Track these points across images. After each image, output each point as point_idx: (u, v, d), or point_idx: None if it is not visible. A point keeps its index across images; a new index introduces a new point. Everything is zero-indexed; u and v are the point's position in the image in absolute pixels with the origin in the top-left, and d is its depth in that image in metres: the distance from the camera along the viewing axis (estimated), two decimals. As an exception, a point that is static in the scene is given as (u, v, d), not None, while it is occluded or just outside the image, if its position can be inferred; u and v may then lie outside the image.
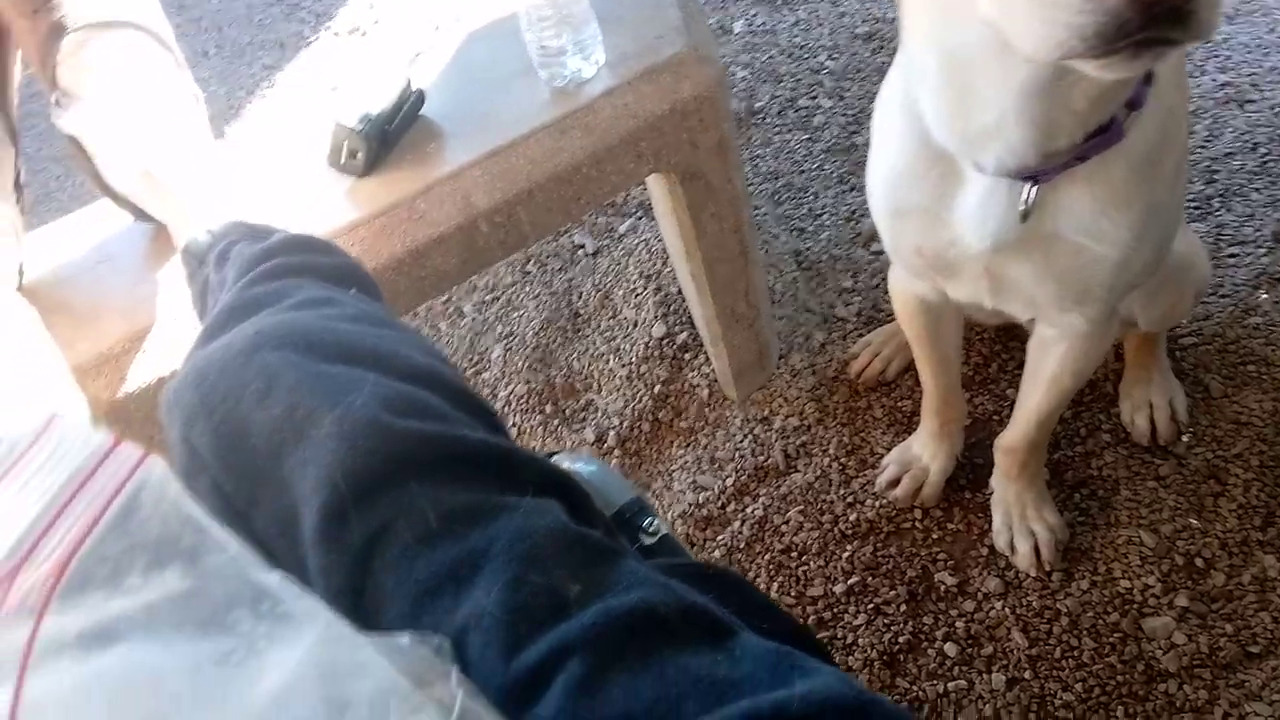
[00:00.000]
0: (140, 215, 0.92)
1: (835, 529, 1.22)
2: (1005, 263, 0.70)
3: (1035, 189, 0.63)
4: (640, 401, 1.37)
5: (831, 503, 1.25)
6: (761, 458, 1.30)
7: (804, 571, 1.19)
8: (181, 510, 0.24)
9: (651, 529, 0.58)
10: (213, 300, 0.62)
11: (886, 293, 1.44)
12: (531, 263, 1.62)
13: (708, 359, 1.40)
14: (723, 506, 1.26)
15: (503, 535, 0.41)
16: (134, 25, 0.83)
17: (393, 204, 0.95)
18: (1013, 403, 1.29)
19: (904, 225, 0.74)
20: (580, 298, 1.54)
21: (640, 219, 1.62)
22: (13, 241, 0.83)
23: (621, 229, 1.61)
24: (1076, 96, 0.57)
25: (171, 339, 0.88)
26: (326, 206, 0.95)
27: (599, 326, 1.50)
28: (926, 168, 0.67)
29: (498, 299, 1.57)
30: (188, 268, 0.69)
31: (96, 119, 0.80)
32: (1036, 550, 1.14)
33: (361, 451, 0.42)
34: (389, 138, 0.98)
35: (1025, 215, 0.64)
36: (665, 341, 1.42)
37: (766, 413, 1.34)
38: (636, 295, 1.50)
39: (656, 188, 1.22)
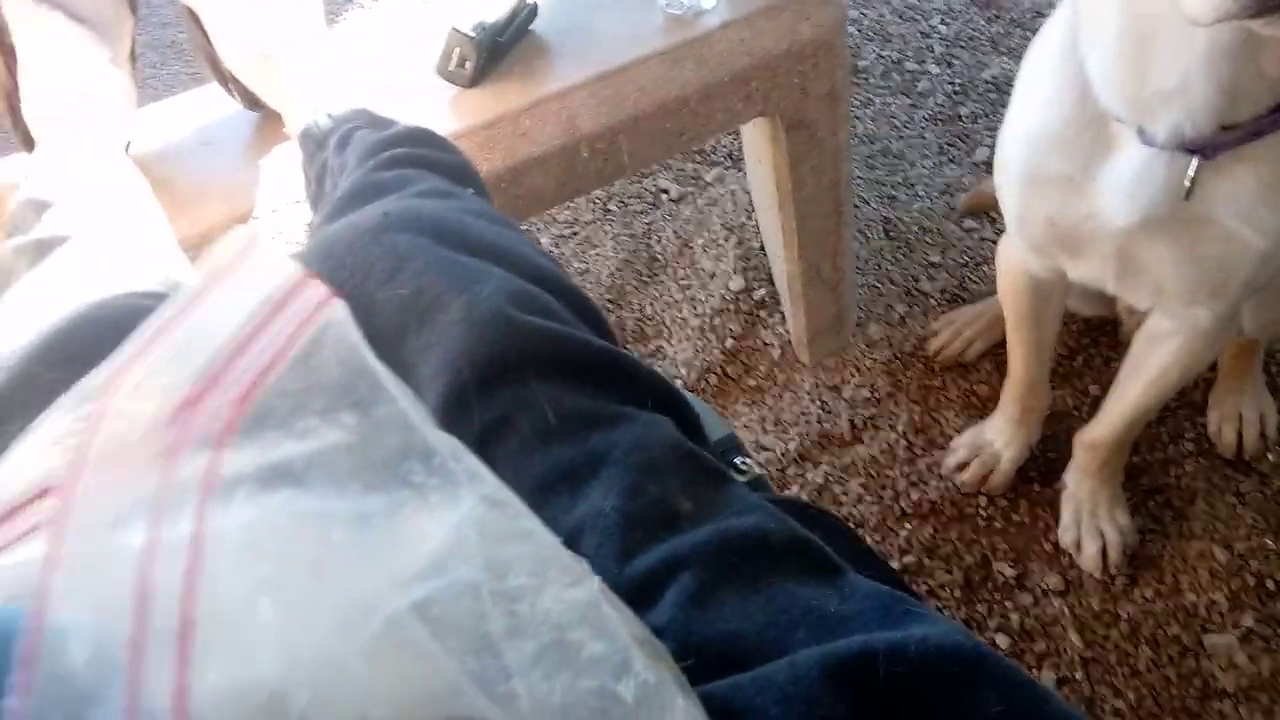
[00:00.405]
0: (249, 103, 0.91)
1: (896, 505, 1.20)
2: (1144, 243, 0.66)
3: (1197, 165, 0.59)
4: (710, 354, 1.35)
5: (894, 479, 1.22)
6: (827, 425, 1.27)
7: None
8: (359, 356, 0.23)
9: (744, 466, 0.57)
10: (331, 183, 0.61)
11: (974, 271, 1.40)
12: (613, 201, 1.60)
13: (783, 318, 1.37)
14: (783, 469, 1.24)
15: (621, 443, 0.39)
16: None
17: (497, 117, 0.93)
18: (1095, 399, 1.25)
19: (1039, 193, 0.70)
20: (659, 243, 1.51)
21: (728, 169, 1.58)
22: (128, 109, 0.82)
23: (708, 177, 1.58)
24: (1268, 60, 0.53)
25: (270, 228, 0.87)
26: (430, 113, 0.93)
27: (675, 274, 1.47)
28: (1078, 132, 0.63)
29: (576, 235, 1.55)
30: (305, 150, 0.67)
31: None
32: (1104, 552, 1.11)
33: (487, 341, 0.41)
34: (499, 49, 0.96)
35: (1189, 192, 0.60)
36: (742, 296, 1.39)
37: (837, 380, 1.31)
38: (717, 246, 1.47)
39: (755, 135, 1.19)
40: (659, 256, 1.50)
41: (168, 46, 1.97)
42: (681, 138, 1.00)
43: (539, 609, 0.23)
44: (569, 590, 0.23)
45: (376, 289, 0.44)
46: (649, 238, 1.53)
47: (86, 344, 0.46)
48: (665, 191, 1.59)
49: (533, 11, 0.99)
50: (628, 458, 0.38)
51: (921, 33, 1.71)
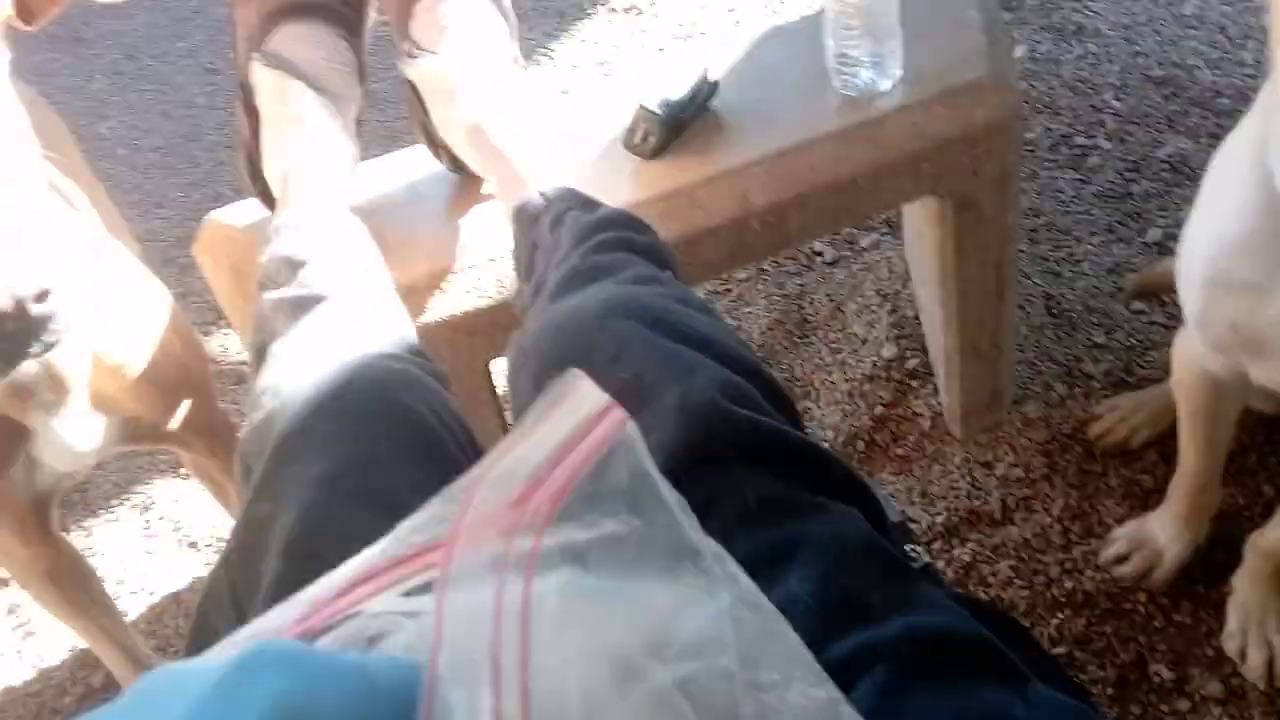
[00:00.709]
0: (453, 166, 1.00)
1: (1047, 593, 1.17)
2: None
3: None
4: (859, 420, 1.36)
5: (1047, 565, 1.19)
6: (977, 502, 1.26)
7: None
8: (644, 469, 0.27)
9: (914, 555, 0.58)
10: (544, 259, 0.67)
11: (1142, 356, 1.36)
12: (767, 261, 1.63)
13: (936, 390, 1.36)
14: (929, 543, 1.23)
15: (815, 532, 0.42)
16: (483, -10, 0.90)
17: (675, 190, 0.98)
18: (1268, 500, 1.19)
19: (1222, 297, 0.70)
20: (811, 305, 1.54)
21: (884, 235, 1.59)
22: (354, 172, 0.92)
23: (864, 242, 1.59)
24: None
25: (466, 284, 0.95)
26: (615, 182, 1.00)
27: (826, 337, 1.49)
28: (1265, 240, 0.63)
29: (730, 291, 1.59)
30: (518, 224, 0.74)
31: (440, 72, 0.87)
32: (1270, 664, 1.05)
33: (699, 428, 0.45)
34: (680, 124, 1.01)
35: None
36: (894, 364, 1.40)
37: (990, 457, 1.30)
38: (870, 312, 1.48)
39: (919, 210, 1.20)
40: (810, 318, 1.53)
41: (404, 102, 2.14)
42: (849, 213, 1.03)
43: (786, 701, 0.26)
44: (813, 689, 0.26)
45: (600, 369, 0.50)
46: (801, 299, 1.56)
47: (353, 403, 0.53)
48: (820, 254, 1.61)
49: (713, 89, 1.04)
50: (822, 548, 0.41)
51: (1093, 107, 1.68)
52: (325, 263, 0.70)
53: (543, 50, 2.08)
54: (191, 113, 2.15)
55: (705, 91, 1.03)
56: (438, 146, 0.99)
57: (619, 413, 0.27)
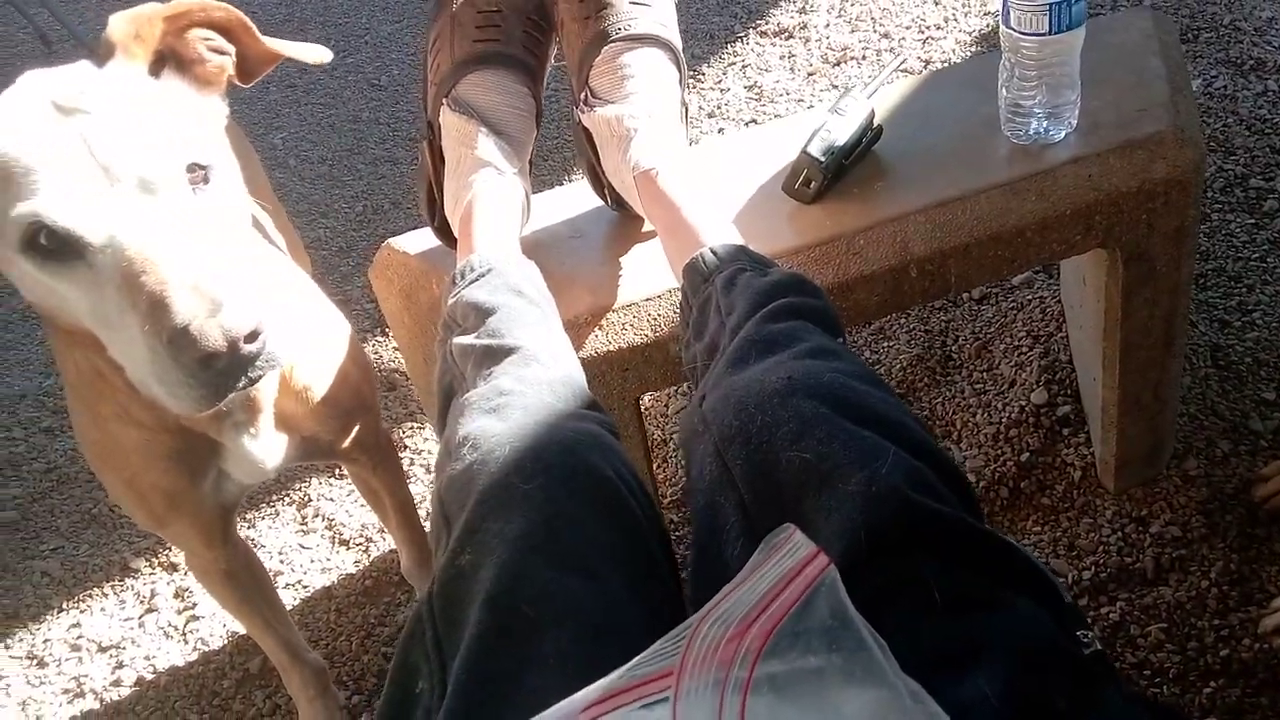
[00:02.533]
0: (615, 205, 1.04)
1: (1201, 660, 1.12)
2: None
3: None
4: (1003, 465, 1.33)
5: (1201, 630, 1.14)
6: (1129, 559, 1.22)
7: (1154, 695, 1.11)
8: (844, 610, 0.29)
9: (1086, 640, 0.58)
10: (715, 321, 0.69)
11: (1319, 417, 1.28)
12: (912, 295, 1.61)
13: (1088, 440, 1.32)
14: (1074, 599, 1.20)
15: (1001, 630, 0.43)
16: (661, 42, 0.93)
17: (833, 236, 0.99)
18: None
19: None
20: (955, 342, 1.51)
21: (1038, 274, 1.55)
22: (526, 214, 0.97)
23: (1015, 281, 1.56)
24: None
25: (624, 321, 0.98)
26: (771, 226, 1.01)
27: (970, 376, 1.46)
28: None
29: (870, 325, 1.58)
30: (689, 282, 0.77)
31: (614, 121, 0.90)
32: None
33: (885, 516, 0.46)
34: (841, 170, 1.02)
35: None
36: (1044, 410, 1.36)
37: (1144, 512, 1.25)
38: (1019, 354, 1.44)
39: (1085, 259, 1.17)
40: (954, 356, 1.50)
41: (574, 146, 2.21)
42: (1013, 263, 1.02)
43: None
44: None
45: (781, 448, 0.51)
46: (945, 336, 1.53)
47: (548, 465, 0.57)
48: (967, 291, 1.58)
49: (877, 134, 1.04)
50: (1009, 648, 0.42)
51: (1271, 148, 1.59)
52: (512, 312, 0.74)
53: (692, 73, 2.11)
54: (357, 126, 2.27)
55: (870, 136, 1.03)
56: (603, 187, 1.02)
57: (824, 558, 0.29)
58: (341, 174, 2.16)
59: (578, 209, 1.12)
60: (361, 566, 1.46)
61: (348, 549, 1.53)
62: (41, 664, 1.39)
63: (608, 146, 0.93)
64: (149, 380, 0.67)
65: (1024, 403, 1.38)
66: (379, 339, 1.80)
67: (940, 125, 1.07)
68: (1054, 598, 0.48)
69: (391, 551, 1.45)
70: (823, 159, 0.98)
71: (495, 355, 0.70)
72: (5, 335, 1.94)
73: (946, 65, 1.15)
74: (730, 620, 0.29)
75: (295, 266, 1.02)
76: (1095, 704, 0.42)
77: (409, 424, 1.64)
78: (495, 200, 0.92)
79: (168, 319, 0.63)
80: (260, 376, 0.69)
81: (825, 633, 0.29)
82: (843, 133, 0.99)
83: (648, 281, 1.01)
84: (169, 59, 0.77)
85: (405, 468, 1.45)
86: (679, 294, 0.83)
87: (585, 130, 0.97)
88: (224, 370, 0.66)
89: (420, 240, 1.14)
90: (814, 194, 1.01)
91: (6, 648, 1.42)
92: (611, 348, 1.00)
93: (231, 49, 0.79)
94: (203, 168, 0.70)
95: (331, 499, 1.58)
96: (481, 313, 0.75)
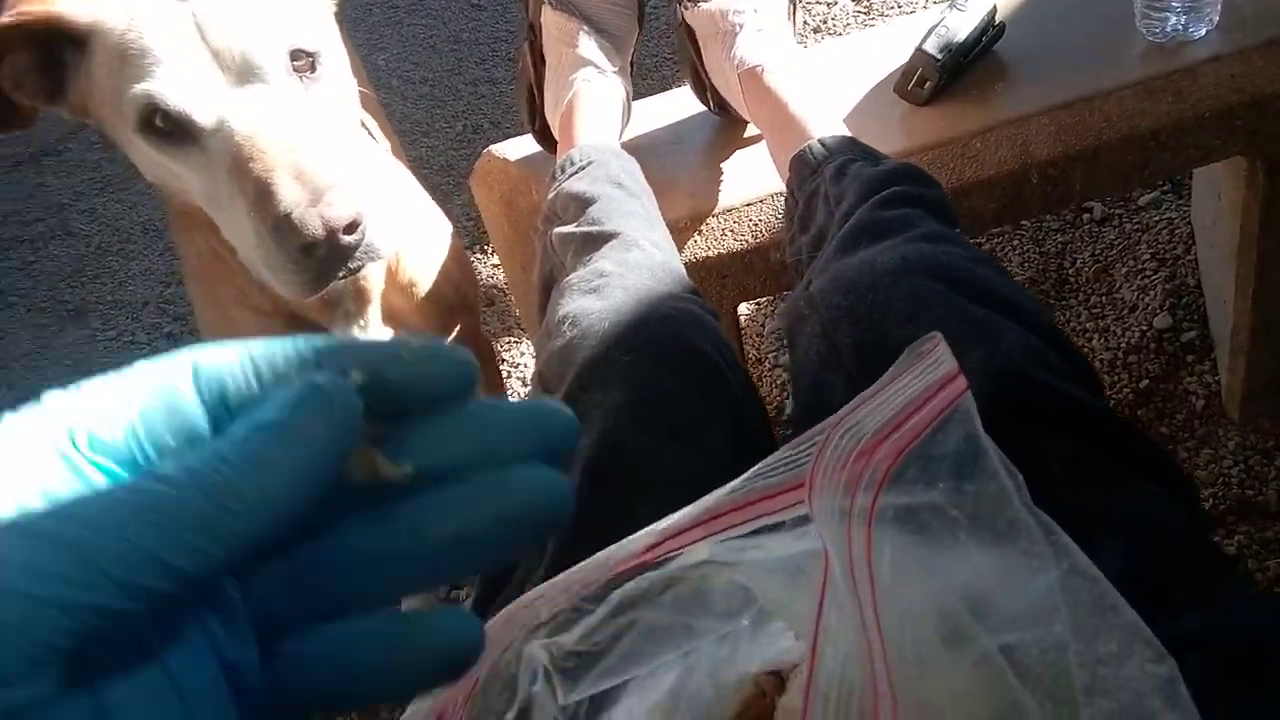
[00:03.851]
0: (718, 109, 1.01)
1: (1326, 598, 1.06)
2: None
3: None
4: (1119, 392, 1.27)
5: (1327, 568, 1.08)
6: (1250, 491, 1.15)
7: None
8: (977, 440, 0.28)
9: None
10: (823, 211, 0.67)
11: None
12: (1025, 216, 1.54)
13: (1213, 367, 1.25)
14: (1189, 530, 1.15)
15: (1124, 507, 0.41)
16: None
17: (948, 139, 0.94)
18: None
19: None
20: (1073, 265, 1.44)
21: (1166, 193, 1.46)
22: (627, 113, 0.95)
23: (1142, 200, 1.47)
24: None
25: (724, 227, 0.97)
26: (880, 129, 0.97)
27: (1088, 301, 1.39)
28: None
29: (981, 245, 1.52)
30: (795, 173, 0.74)
31: (718, 17, 0.87)
32: None
33: (1004, 392, 0.44)
34: (958, 70, 0.97)
35: None
36: (1167, 336, 1.29)
37: (1270, 444, 1.18)
38: (1142, 277, 1.37)
39: (1219, 169, 1.09)
40: (1071, 280, 1.43)
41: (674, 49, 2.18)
42: (1143, 171, 0.95)
43: (1122, 674, 0.26)
44: (1151, 664, 0.26)
45: (894, 328, 0.49)
46: (1062, 258, 1.46)
47: (648, 339, 0.56)
48: (1088, 210, 1.50)
49: (999, 32, 0.98)
50: (1133, 525, 0.40)
51: None
52: (612, 201, 0.73)
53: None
54: (457, 47, 2.27)
55: (991, 35, 0.97)
56: (705, 89, 0.99)
57: (961, 381, 0.28)
58: (442, 94, 2.17)
59: (679, 115, 1.09)
60: (460, 474, 1.50)
61: (447, 457, 1.57)
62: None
63: (711, 43, 0.90)
64: (256, 263, 0.69)
65: (1145, 328, 1.31)
66: (478, 255, 1.82)
67: (1067, 23, 1.01)
68: (1187, 490, 0.46)
69: (489, 460, 1.49)
70: (939, 57, 0.93)
71: (595, 241, 0.69)
72: (129, 246, 2.04)
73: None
74: (861, 434, 0.27)
75: (399, 164, 1.03)
76: (1223, 591, 0.39)
77: (506, 338, 1.66)
78: (596, 98, 0.91)
79: (272, 206, 0.64)
80: (360, 267, 0.70)
81: (957, 461, 0.28)
82: (962, 29, 0.94)
83: (749, 186, 0.99)
84: None
85: (503, 380, 1.47)
86: (784, 193, 0.81)
87: (688, 29, 0.94)
88: (325, 259, 0.66)
89: (520, 147, 1.14)
90: (928, 94, 0.96)
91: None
92: (710, 253, 0.99)
93: None
94: (309, 55, 0.70)
95: (432, 409, 1.62)
96: (582, 203, 0.74)
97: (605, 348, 0.56)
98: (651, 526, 0.31)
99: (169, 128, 0.66)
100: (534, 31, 0.98)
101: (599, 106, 0.90)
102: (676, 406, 0.52)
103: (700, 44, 0.93)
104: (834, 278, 0.55)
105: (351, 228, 0.66)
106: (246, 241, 0.68)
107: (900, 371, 0.28)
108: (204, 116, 0.65)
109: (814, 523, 0.27)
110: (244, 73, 0.66)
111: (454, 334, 1.06)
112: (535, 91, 1.01)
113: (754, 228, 0.98)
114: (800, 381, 0.56)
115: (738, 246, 0.98)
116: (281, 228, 0.64)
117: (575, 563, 0.47)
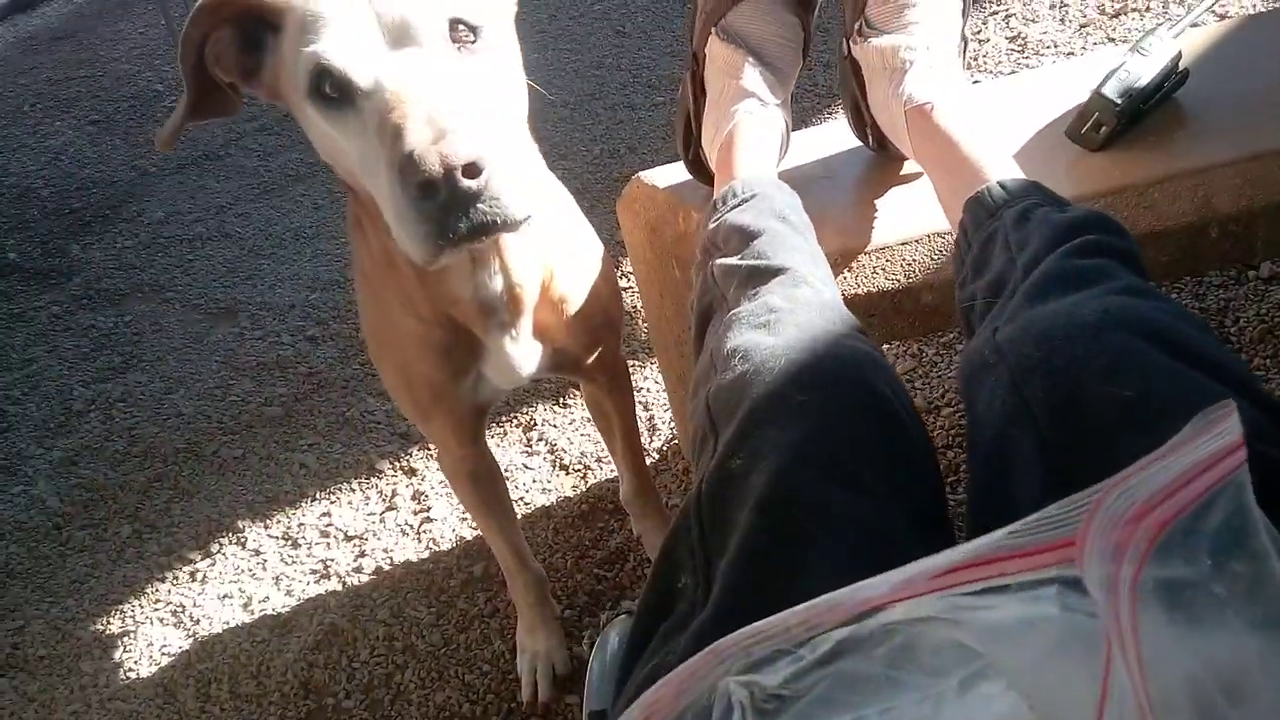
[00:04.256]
0: (877, 145, 1.00)
1: None
2: None
3: None
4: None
5: None
6: None
7: None
8: (1250, 517, 0.26)
9: None
10: (1002, 256, 0.65)
11: None
12: (1184, 270, 1.46)
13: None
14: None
15: None
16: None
17: (1122, 186, 0.91)
18: None
19: None
20: (1235, 324, 1.36)
21: (1344, 255, 1.36)
22: (786, 147, 0.95)
23: (1315, 261, 1.38)
24: None
25: (874, 265, 0.95)
26: (1049, 173, 0.94)
27: (1250, 362, 1.31)
28: None
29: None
30: (971, 216, 0.73)
31: (889, 52, 0.86)
32: None
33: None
34: (1137, 116, 0.93)
35: None
36: (1341, 406, 1.20)
37: None
38: (1313, 342, 1.28)
39: None
40: (1233, 339, 1.35)
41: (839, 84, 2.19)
42: (1335, 231, 0.90)
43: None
44: None
45: (1092, 385, 0.47)
46: (1224, 315, 1.38)
47: (825, 377, 0.56)
48: (1254, 268, 1.42)
49: (1182, 78, 0.94)
50: None
51: None
52: (777, 236, 0.73)
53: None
54: (599, 72, 2.32)
55: (1174, 82, 0.93)
56: (864, 125, 0.98)
57: (1242, 454, 0.26)
58: (581, 117, 2.22)
59: (832, 149, 1.09)
60: (579, 491, 1.52)
61: (567, 474, 1.59)
62: (295, 545, 1.55)
63: (877, 79, 0.89)
64: (393, 223, 0.67)
65: (1315, 396, 1.23)
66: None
67: (1257, 73, 0.96)
68: None
69: (608, 480, 1.50)
70: (1119, 101, 0.90)
71: (762, 275, 0.69)
72: (279, 251, 2.14)
73: (1262, 12, 1.02)
74: (1134, 498, 0.26)
75: (556, 181, 1.05)
76: None
77: (631, 361, 1.67)
78: (757, 130, 0.91)
79: (399, 147, 0.62)
80: (486, 224, 0.65)
81: (1224, 536, 0.26)
82: (1144, 74, 0.90)
83: (904, 225, 0.97)
84: None
85: (635, 402, 1.48)
86: (952, 235, 0.79)
87: (853, 63, 0.93)
88: (445, 204, 0.63)
89: (669, 175, 1.15)
90: (1103, 139, 0.92)
91: (266, 528, 1.58)
92: (859, 291, 0.97)
93: None
94: (472, 28, 0.69)
95: (555, 425, 1.65)
96: (746, 235, 0.74)
97: (780, 384, 0.55)
98: (887, 575, 0.30)
99: (335, 93, 0.67)
100: (697, 61, 0.99)
101: (760, 138, 0.90)
102: (853, 449, 0.52)
103: (866, 79, 0.92)
104: (1025, 327, 0.53)
105: (471, 170, 0.62)
106: (386, 201, 0.66)
107: (1186, 438, 0.27)
108: (362, 77, 0.66)
109: (1087, 586, 0.26)
110: (401, 36, 0.67)
111: (596, 353, 1.08)
112: (693, 121, 1.01)
113: (907, 267, 0.96)
114: (981, 433, 0.54)
115: (889, 286, 0.97)
116: (406, 169, 0.62)
117: (743, 599, 0.46)
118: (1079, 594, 0.28)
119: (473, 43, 0.70)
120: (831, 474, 0.50)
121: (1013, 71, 1.86)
